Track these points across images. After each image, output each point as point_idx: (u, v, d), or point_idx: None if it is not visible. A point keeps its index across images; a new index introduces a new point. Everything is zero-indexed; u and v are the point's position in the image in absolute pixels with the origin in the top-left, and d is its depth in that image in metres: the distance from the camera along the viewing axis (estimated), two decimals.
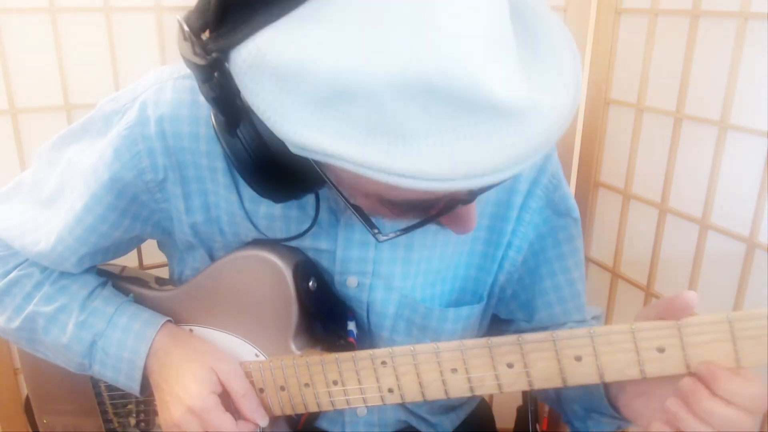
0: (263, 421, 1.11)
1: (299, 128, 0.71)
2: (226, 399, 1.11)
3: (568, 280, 1.23)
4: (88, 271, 1.22)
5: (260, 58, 0.70)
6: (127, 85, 1.13)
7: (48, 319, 1.15)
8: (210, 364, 1.11)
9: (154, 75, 1.10)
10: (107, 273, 1.28)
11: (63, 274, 1.19)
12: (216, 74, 0.76)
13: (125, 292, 1.23)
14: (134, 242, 1.25)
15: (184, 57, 0.77)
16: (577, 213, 1.22)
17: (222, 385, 1.11)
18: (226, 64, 0.75)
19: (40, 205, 1.18)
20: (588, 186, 1.79)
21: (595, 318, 1.28)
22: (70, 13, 1.50)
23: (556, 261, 1.22)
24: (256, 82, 0.73)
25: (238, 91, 0.76)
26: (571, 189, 1.80)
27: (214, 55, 0.73)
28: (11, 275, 1.17)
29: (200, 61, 0.74)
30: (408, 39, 0.63)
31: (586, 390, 1.03)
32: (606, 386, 1.04)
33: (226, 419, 1.07)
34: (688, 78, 1.45)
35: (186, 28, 0.75)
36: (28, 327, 1.17)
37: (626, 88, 1.63)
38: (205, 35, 0.75)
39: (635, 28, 1.58)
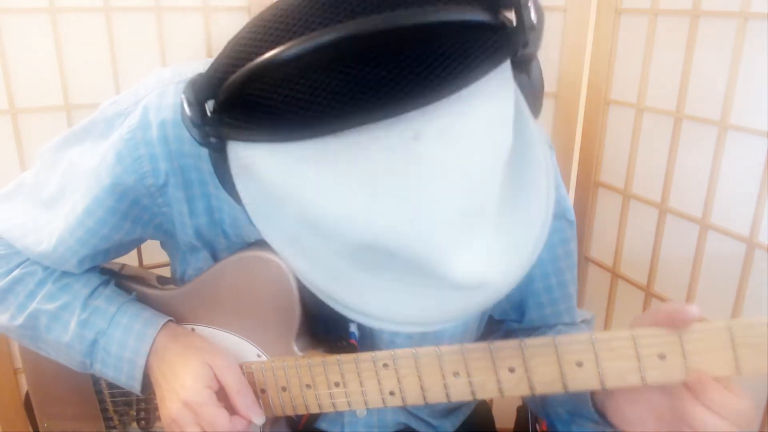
0: (258, 419, 1.10)
1: (274, 231, 0.75)
2: (222, 395, 1.11)
3: (561, 282, 1.24)
4: (90, 269, 1.22)
5: (253, 168, 0.70)
6: (127, 85, 1.13)
7: (50, 317, 1.16)
8: (205, 359, 1.11)
9: (155, 78, 1.10)
10: (110, 271, 1.28)
11: (65, 273, 1.19)
12: (213, 150, 0.75)
13: (128, 291, 1.23)
14: (135, 243, 1.25)
15: (185, 125, 0.76)
16: (572, 215, 1.23)
17: (218, 380, 1.11)
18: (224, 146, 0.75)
19: (41, 205, 1.18)
20: (588, 186, 1.79)
21: (585, 321, 1.29)
22: (70, 13, 1.50)
23: (549, 263, 1.23)
24: (246, 180, 0.74)
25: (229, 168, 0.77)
26: (571, 189, 1.82)
27: (212, 139, 0.73)
28: (14, 273, 1.17)
29: (200, 138, 0.74)
30: (391, 209, 0.63)
31: (572, 394, 1.03)
32: (593, 392, 1.04)
33: (220, 414, 1.07)
34: (688, 78, 1.46)
35: (190, 98, 0.74)
36: (31, 325, 1.17)
37: (626, 88, 1.63)
38: (209, 105, 0.74)
39: (635, 28, 1.58)
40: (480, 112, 0.65)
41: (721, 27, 1.37)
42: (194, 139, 0.74)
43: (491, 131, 0.67)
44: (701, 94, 1.44)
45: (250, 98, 0.67)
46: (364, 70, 0.61)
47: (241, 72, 0.66)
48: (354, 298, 0.74)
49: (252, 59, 0.65)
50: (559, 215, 1.21)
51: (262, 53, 0.65)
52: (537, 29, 0.69)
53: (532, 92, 0.79)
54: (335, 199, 0.65)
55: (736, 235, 1.39)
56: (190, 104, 0.73)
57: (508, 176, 0.71)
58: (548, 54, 1.73)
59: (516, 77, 0.76)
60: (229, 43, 0.71)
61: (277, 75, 0.64)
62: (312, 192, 0.66)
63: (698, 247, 1.48)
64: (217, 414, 1.07)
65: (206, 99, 0.72)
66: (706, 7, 1.40)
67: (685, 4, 1.43)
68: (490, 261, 0.68)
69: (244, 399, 1.10)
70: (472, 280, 0.67)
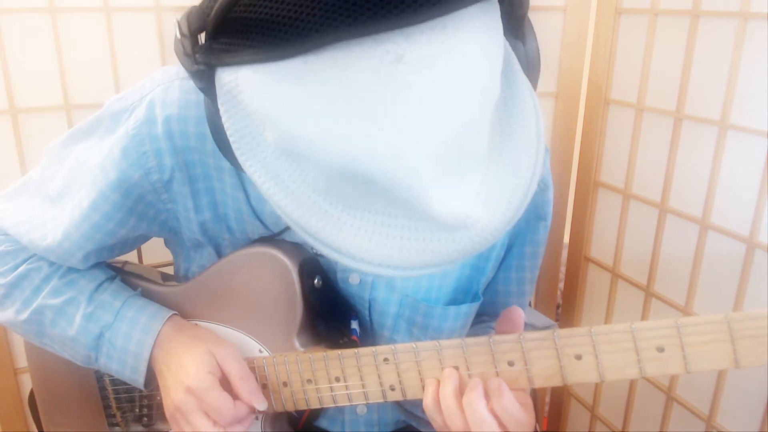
0: (261, 405, 1.10)
1: (255, 164, 0.75)
2: (226, 384, 1.11)
3: (519, 278, 1.27)
4: (96, 265, 1.22)
5: (237, 91, 0.71)
6: (127, 84, 1.13)
7: (56, 311, 1.16)
8: (208, 347, 1.11)
9: (160, 74, 1.10)
10: (115, 268, 1.28)
11: (71, 269, 1.20)
12: (202, 80, 0.76)
13: (133, 287, 1.23)
14: (140, 240, 1.26)
15: (176, 54, 0.77)
16: (550, 220, 1.25)
17: (221, 368, 1.11)
18: (213, 75, 0.76)
19: (48, 201, 1.18)
20: (588, 186, 1.79)
21: (546, 329, 1.31)
22: (70, 13, 1.50)
23: (515, 257, 1.26)
24: (229, 108, 0.74)
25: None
26: (571, 189, 1.82)
27: (201, 66, 0.74)
28: (20, 269, 1.18)
29: (188, 66, 0.75)
30: (369, 131, 0.64)
31: None
32: None
33: (223, 398, 1.06)
34: (688, 78, 1.46)
35: (183, 29, 0.75)
36: (37, 320, 1.17)
37: (626, 88, 1.64)
38: (201, 37, 0.75)
39: (635, 28, 1.58)
40: (466, 47, 0.66)
41: (721, 27, 1.37)
42: (184, 68, 0.75)
43: (478, 69, 0.67)
44: (701, 94, 1.44)
45: (236, 19, 0.68)
46: None
47: None
48: (332, 236, 0.73)
49: None
50: (540, 216, 1.23)
51: None
52: None
53: (527, 63, 0.81)
54: (313, 118, 0.66)
55: (736, 235, 1.39)
56: (183, 35, 0.75)
57: (496, 124, 0.71)
58: (548, 54, 1.73)
59: (510, 43, 0.77)
60: None
61: None
62: (291, 112, 0.67)
63: (698, 247, 1.48)
64: (220, 398, 1.06)
65: (198, 29, 0.74)
66: (706, 7, 1.40)
67: (685, 4, 1.43)
68: (476, 200, 0.69)
69: (247, 385, 1.10)
70: (454, 218, 0.67)
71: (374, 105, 0.63)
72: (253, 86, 0.69)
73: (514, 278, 1.26)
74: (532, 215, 1.22)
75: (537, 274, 1.30)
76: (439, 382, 0.99)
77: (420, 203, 0.66)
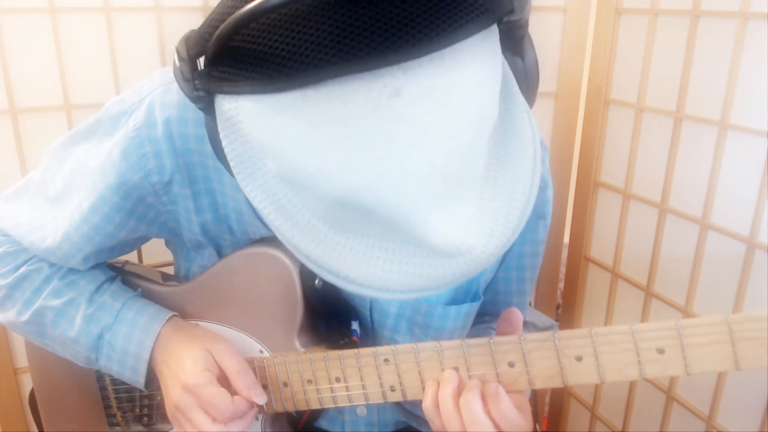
0: (260, 399, 1.09)
1: (255, 189, 0.75)
2: (225, 381, 1.10)
3: (520, 277, 1.27)
4: (96, 266, 1.22)
5: (236, 119, 0.71)
6: (127, 85, 1.13)
7: (56, 312, 1.16)
8: (204, 344, 1.11)
9: (160, 76, 1.10)
10: (115, 268, 1.28)
11: (72, 270, 1.20)
12: (202, 103, 0.76)
13: (133, 287, 1.23)
14: (140, 241, 1.26)
15: (176, 79, 0.77)
16: (549, 219, 1.25)
17: (218, 364, 1.11)
18: (212, 99, 0.76)
19: (48, 202, 1.18)
20: (588, 186, 1.79)
21: (547, 329, 1.32)
22: (70, 13, 1.50)
23: (515, 257, 1.26)
24: (229, 134, 0.74)
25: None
26: (571, 189, 1.82)
27: (200, 93, 0.74)
28: (21, 270, 1.18)
29: (188, 92, 0.75)
30: (368, 163, 0.64)
31: None
32: None
33: (221, 394, 1.06)
34: (688, 78, 1.46)
35: (182, 53, 0.75)
36: (37, 321, 1.17)
37: (626, 88, 1.64)
38: (200, 62, 0.75)
39: (635, 28, 1.58)
40: (464, 78, 0.65)
41: (721, 27, 1.37)
42: (184, 93, 0.75)
43: (475, 98, 0.67)
44: (701, 94, 1.44)
45: (235, 49, 0.68)
46: (345, 20, 0.62)
47: (227, 22, 0.67)
48: (331, 260, 0.74)
49: (239, 10, 0.66)
50: (540, 215, 1.24)
51: (249, 3, 0.65)
52: None
53: (526, 79, 0.80)
54: (312, 150, 0.66)
55: (736, 235, 1.39)
56: (182, 59, 0.74)
57: (493, 148, 0.72)
58: (548, 54, 1.73)
59: (508, 59, 0.77)
60: None
61: (261, 23, 0.66)
62: (290, 143, 0.67)
63: (698, 247, 1.48)
64: (217, 394, 1.06)
65: (197, 54, 0.74)
66: (706, 7, 1.40)
67: (685, 4, 1.44)
68: (471, 227, 0.69)
69: (244, 380, 1.10)
70: (450, 245, 0.68)
71: (372, 138, 0.64)
72: (252, 116, 0.69)
73: (514, 277, 1.27)
74: (532, 214, 1.22)
75: (537, 273, 1.30)
76: (438, 383, 0.99)
77: (417, 232, 0.67)
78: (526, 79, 0.81)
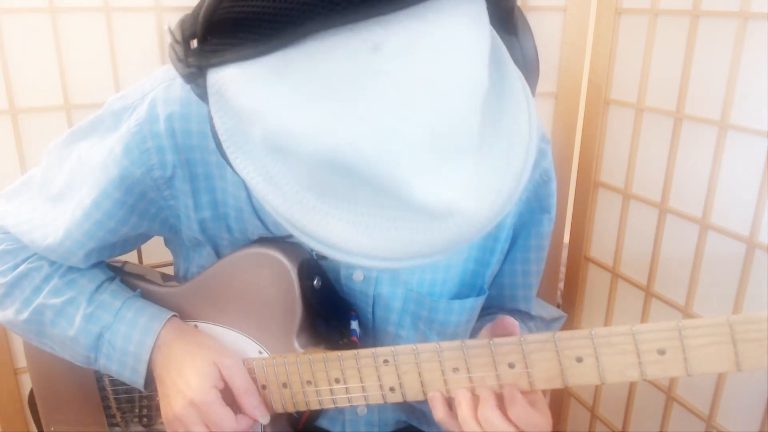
0: (264, 419, 1.11)
1: (244, 161, 0.75)
2: (227, 394, 1.11)
3: (525, 271, 1.27)
4: (96, 265, 1.23)
5: (223, 90, 0.72)
6: (127, 84, 1.13)
7: (56, 311, 1.16)
8: (213, 358, 1.11)
9: (162, 72, 1.10)
10: (115, 268, 1.28)
11: (71, 268, 1.20)
12: (196, 83, 0.76)
13: (132, 287, 1.23)
14: (141, 239, 1.26)
15: (170, 60, 0.78)
16: (554, 213, 1.25)
17: (224, 380, 1.11)
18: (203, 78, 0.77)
19: (49, 200, 1.18)
20: (588, 186, 1.79)
21: (554, 320, 1.32)
22: (70, 13, 1.50)
23: (520, 250, 1.26)
24: (218, 107, 0.75)
25: None
26: (571, 189, 1.82)
27: (192, 69, 0.75)
28: (21, 268, 1.18)
29: (181, 70, 0.76)
30: (349, 120, 0.64)
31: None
32: None
33: (226, 414, 1.08)
34: (688, 78, 1.46)
35: (177, 36, 0.76)
36: (37, 319, 1.17)
37: (626, 88, 1.63)
38: (194, 43, 0.76)
39: (635, 28, 1.58)
40: (445, 35, 0.65)
41: (721, 27, 1.37)
42: (178, 72, 0.76)
43: (459, 59, 0.67)
44: (701, 94, 1.44)
45: (220, 22, 0.70)
46: None
47: None
48: (320, 229, 0.73)
49: None
50: (544, 209, 1.24)
51: None
52: None
53: (524, 61, 0.80)
54: (295, 111, 0.66)
55: (736, 235, 1.39)
56: (176, 42, 0.76)
57: (487, 115, 0.71)
58: (548, 54, 1.73)
59: (504, 40, 0.77)
60: None
61: None
62: (274, 105, 0.67)
63: (698, 247, 1.48)
64: (223, 414, 1.08)
65: (191, 36, 0.75)
66: (706, 7, 1.40)
67: (685, 4, 1.43)
68: (463, 188, 0.68)
69: (250, 399, 1.11)
70: (438, 205, 0.67)
71: (353, 95, 0.63)
72: (237, 83, 0.70)
73: (519, 271, 1.27)
74: (536, 207, 1.23)
75: (543, 266, 1.30)
76: (442, 395, 1.01)
77: (403, 192, 0.66)
78: (524, 62, 0.81)
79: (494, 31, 0.76)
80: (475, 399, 0.98)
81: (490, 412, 0.95)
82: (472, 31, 0.69)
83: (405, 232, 0.70)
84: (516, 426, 0.94)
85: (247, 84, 0.69)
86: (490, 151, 0.71)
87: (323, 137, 0.65)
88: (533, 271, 1.28)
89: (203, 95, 0.77)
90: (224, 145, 0.76)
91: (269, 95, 0.67)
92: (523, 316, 1.31)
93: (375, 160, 0.64)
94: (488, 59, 0.70)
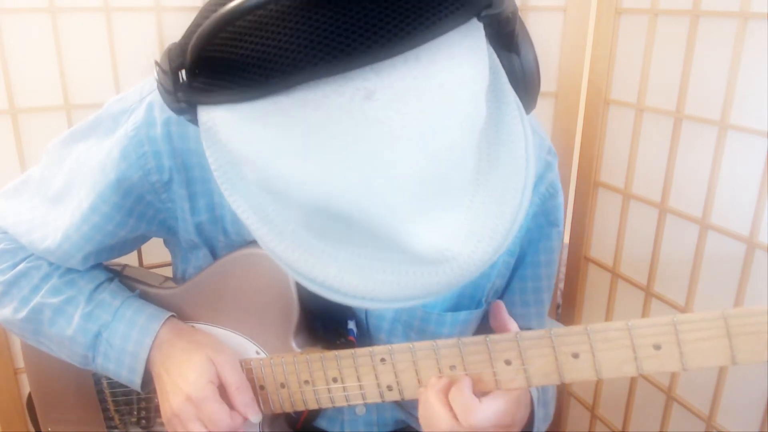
0: (254, 417, 1.11)
1: (239, 199, 0.75)
2: (224, 391, 1.11)
3: (536, 288, 1.25)
4: (95, 266, 1.23)
5: (214, 130, 0.70)
6: (127, 85, 1.13)
7: (54, 310, 1.16)
8: (208, 354, 1.12)
9: None
10: (114, 271, 1.28)
11: (70, 269, 1.20)
12: (187, 115, 0.75)
13: (131, 289, 1.23)
14: (139, 241, 1.26)
15: (159, 92, 0.76)
16: (562, 226, 1.24)
17: (219, 376, 1.12)
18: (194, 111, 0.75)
19: (47, 201, 1.18)
20: (588, 186, 1.79)
21: None
22: (70, 13, 1.51)
23: (530, 266, 1.23)
24: (211, 144, 0.74)
25: None
26: (571, 189, 1.82)
27: (183, 105, 0.73)
28: (20, 267, 1.18)
29: (171, 105, 0.74)
30: (342, 170, 0.63)
31: None
32: None
33: (221, 410, 1.08)
34: (688, 78, 1.45)
35: (164, 66, 0.74)
36: (35, 318, 1.17)
37: (626, 88, 1.63)
38: (182, 74, 0.74)
39: (635, 28, 1.58)
40: (442, 78, 0.63)
41: (721, 27, 1.37)
42: (168, 107, 0.74)
43: (456, 99, 0.65)
44: (701, 94, 1.44)
45: (209, 59, 0.67)
46: (312, 23, 0.60)
47: (198, 33, 0.66)
48: (315, 269, 0.73)
49: (206, 20, 0.65)
50: (553, 223, 1.22)
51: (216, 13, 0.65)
52: None
53: (524, 78, 0.78)
54: (287, 159, 0.64)
55: (736, 235, 1.39)
56: (164, 72, 0.73)
57: (483, 149, 0.70)
58: (548, 54, 1.73)
59: (503, 58, 0.75)
60: (199, 11, 0.72)
61: (229, 32, 0.65)
62: (266, 152, 0.65)
63: (698, 247, 1.48)
64: (218, 410, 1.08)
65: (178, 67, 0.72)
66: (706, 7, 1.40)
67: (685, 4, 1.43)
68: (457, 233, 0.68)
69: (242, 396, 1.11)
70: (434, 252, 0.66)
71: (346, 143, 0.62)
72: (228, 127, 0.68)
73: (530, 288, 1.24)
74: (544, 222, 1.21)
75: (554, 282, 1.28)
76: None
77: (397, 240, 0.65)
78: (524, 76, 0.79)
79: (493, 53, 0.74)
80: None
81: (431, 393, 0.99)
82: (470, 69, 0.67)
83: (402, 276, 0.70)
84: (451, 410, 0.96)
85: (237, 128, 0.67)
86: (485, 188, 0.71)
87: (315, 186, 0.64)
88: (544, 287, 1.26)
89: (194, 122, 0.75)
90: (218, 180, 0.75)
91: (259, 142, 0.66)
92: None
93: (367, 208, 0.64)
94: (486, 91, 0.70)
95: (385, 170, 0.62)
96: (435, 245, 0.66)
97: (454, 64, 0.65)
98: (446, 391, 0.99)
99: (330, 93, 0.61)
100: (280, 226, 0.73)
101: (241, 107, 0.65)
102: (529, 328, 1.25)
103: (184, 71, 0.72)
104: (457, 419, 0.95)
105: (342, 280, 0.72)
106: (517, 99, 0.76)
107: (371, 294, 0.72)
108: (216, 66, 0.67)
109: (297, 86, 0.61)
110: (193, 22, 0.72)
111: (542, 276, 1.24)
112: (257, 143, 0.66)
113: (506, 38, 0.74)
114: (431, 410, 0.97)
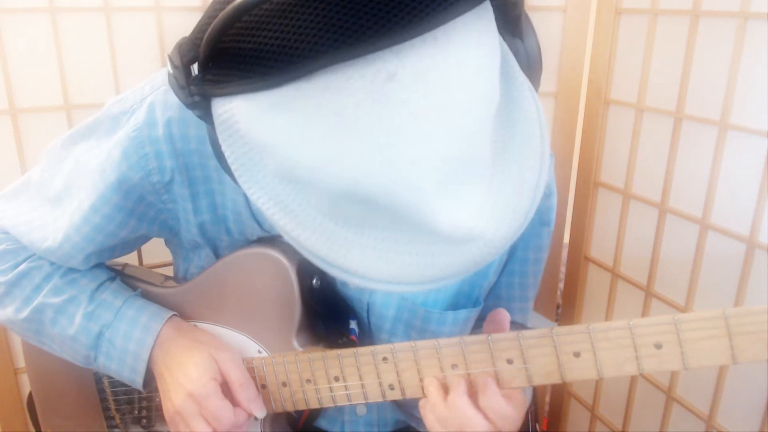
0: (259, 413, 1.11)
1: (258, 191, 0.74)
2: (226, 388, 1.11)
3: (522, 283, 1.26)
4: (96, 266, 1.22)
5: (232, 121, 0.70)
6: (127, 85, 1.13)
7: (56, 310, 1.16)
8: (210, 352, 1.11)
9: (161, 76, 1.10)
10: (115, 270, 1.28)
11: (72, 268, 1.20)
12: (199, 109, 0.75)
13: (132, 288, 1.23)
14: (140, 241, 1.26)
15: (171, 87, 0.76)
16: (553, 226, 1.25)
17: (222, 373, 1.11)
18: (209, 104, 0.75)
19: (48, 202, 1.18)
20: (588, 186, 1.79)
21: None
22: (70, 13, 1.51)
23: (518, 262, 1.25)
24: (227, 137, 0.73)
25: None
26: (571, 189, 1.82)
27: (196, 98, 0.73)
28: (21, 267, 1.18)
29: (184, 99, 0.74)
30: (367, 152, 0.63)
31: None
32: None
33: (224, 406, 1.07)
34: (688, 78, 1.46)
35: (175, 61, 0.74)
36: (36, 318, 1.17)
37: (626, 88, 1.64)
38: (195, 68, 0.74)
39: (635, 28, 1.58)
40: (459, 58, 0.64)
41: (721, 27, 1.37)
42: (180, 100, 0.74)
43: (473, 79, 0.66)
44: (701, 94, 1.44)
45: (225, 50, 0.68)
46: (331, 8, 0.61)
47: (213, 25, 0.66)
48: (340, 257, 0.72)
49: (223, 11, 0.66)
50: (545, 222, 1.23)
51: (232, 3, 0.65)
52: None
53: (527, 61, 0.79)
54: (310, 144, 0.65)
55: (736, 235, 1.39)
56: (175, 67, 0.73)
57: (498, 130, 0.70)
58: (548, 54, 1.73)
59: (508, 41, 0.76)
60: (210, 4, 0.72)
61: (246, 21, 0.65)
62: (288, 139, 0.66)
63: (698, 247, 1.48)
64: (221, 406, 1.07)
65: (191, 61, 0.73)
66: (706, 7, 1.40)
67: (685, 4, 1.44)
68: (481, 211, 0.68)
69: (246, 392, 1.11)
70: (460, 231, 0.66)
71: (370, 126, 0.62)
72: (248, 116, 0.68)
73: (517, 283, 1.26)
74: (536, 221, 1.21)
75: (540, 278, 1.30)
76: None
77: (424, 220, 0.65)
78: (528, 62, 0.80)
79: (500, 38, 0.75)
80: (446, 387, 0.99)
81: (459, 398, 0.96)
82: (484, 49, 0.68)
83: (426, 257, 0.70)
84: (485, 414, 0.95)
85: (257, 117, 0.67)
86: (504, 168, 0.71)
87: (339, 170, 0.64)
88: (530, 284, 1.27)
89: (205, 118, 0.76)
90: (235, 173, 0.75)
91: (281, 129, 0.66)
92: (519, 328, 1.30)
93: (393, 190, 0.64)
94: (499, 71, 0.70)
95: (409, 151, 0.63)
96: (462, 224, 0.66)
97: (469, 45, 0.65)
98: (471, 395, 0.98)
99: (352, 75, 0.62)
100: (301, 216, 0.72)
101: (261, 96, 0.66)
102: (513, 322, 1.26)
103: (196, 65, 0.72)
104: (492, 422, 0.95)
105: (367, 265, 0.72)
106: (527, 80, 0.76)
107: (397, 278, 0.71)
108: (233, 56, 0.67)
109: (319, 71, 0.62)
110: (204, 16, 0.72)
111: (529, 273, 1.26)
112: (280, 130, 0.66)
113: (512, 23, 0.76)
114: (462, 416, 0.95)
